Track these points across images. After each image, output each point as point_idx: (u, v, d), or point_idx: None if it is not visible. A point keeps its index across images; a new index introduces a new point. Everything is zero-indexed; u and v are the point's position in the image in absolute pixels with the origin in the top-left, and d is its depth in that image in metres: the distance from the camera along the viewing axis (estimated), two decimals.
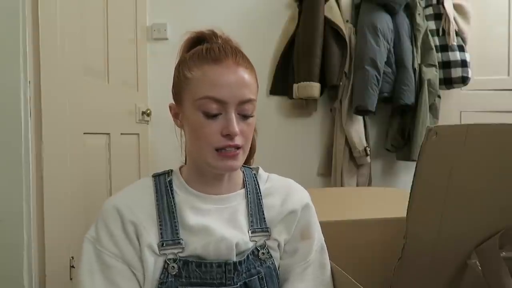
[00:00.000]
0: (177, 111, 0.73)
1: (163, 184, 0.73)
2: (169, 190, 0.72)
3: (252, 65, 0.71)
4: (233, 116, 0.65)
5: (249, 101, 0.67)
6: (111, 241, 0.66)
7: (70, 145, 1.20)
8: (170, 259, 0.66)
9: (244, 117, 0.68)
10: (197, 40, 0.74)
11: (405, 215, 0.80)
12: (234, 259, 0.69)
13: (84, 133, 1.28)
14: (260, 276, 0.70)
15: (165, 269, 0.66)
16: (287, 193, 0.77)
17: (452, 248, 0.80)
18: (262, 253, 0.72)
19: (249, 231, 0.71)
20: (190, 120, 0.68)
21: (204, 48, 0.69)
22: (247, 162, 0.83)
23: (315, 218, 0.78)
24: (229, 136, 0.65)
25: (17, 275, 1.00)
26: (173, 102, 0.74)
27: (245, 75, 0.67)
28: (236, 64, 0.67)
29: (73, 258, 1.18)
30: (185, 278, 0.66)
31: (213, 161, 0.67)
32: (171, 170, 0.77)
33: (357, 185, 1.84)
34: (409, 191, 0.78)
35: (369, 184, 1.87)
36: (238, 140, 0.66)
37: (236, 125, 0.65)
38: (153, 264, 0.66)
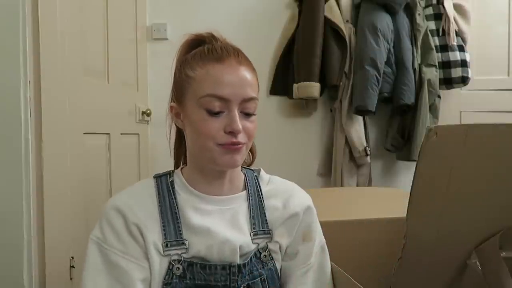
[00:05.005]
0: (178, 111, 0.73)
1: (164, 185, 0.73)
2: (171, 191, 0.72)
3: (253, 66, 0.72)
4: (236, 114, 0.66)
5: (252, 99, 0.68)
6: (117, 238, 0.66)
7: (70, 145, 1.19)
8: (174, 260, 0.67)
9: (246, 115, 0.68)
10: (196, 42, 0.75)
11: (405, 215, 0.80)
12: (238, 261, 0.69)
13: (84, 133, 1.28)
14: (262, 279, 0.70)
15: (170, 269, 0.66)
16: (289, 195, 0.77)
17: (452, 248, 0.80)
18: (264, 255, 0.72)
19: (251, 234, 0.72)
20: (193, 118, 0.68)
21: (206, 48, 0.70)
22: (248, 165, 0.83)
23: (317, 220, 0.79)
24: (232, 133, 0.66)
25: (17, 275, 0.99)
26: (173, 103, 0.74)
27: (247, 74, 0.68)
28: (238, 63, 0.68)
29: (73, 258, 1.18)
30: (189, 279, 0.66)
31: (216, 155, 0.67)
32: (173, 171, 0.77)
33: (357, 185, 1.84)
34: (409, 191, 0.78)
35: (369, 184, 1.86)
36: (241, 138, 0.67)
37: (239, 123, 0.65)
38: (159, 264, 0.66)
